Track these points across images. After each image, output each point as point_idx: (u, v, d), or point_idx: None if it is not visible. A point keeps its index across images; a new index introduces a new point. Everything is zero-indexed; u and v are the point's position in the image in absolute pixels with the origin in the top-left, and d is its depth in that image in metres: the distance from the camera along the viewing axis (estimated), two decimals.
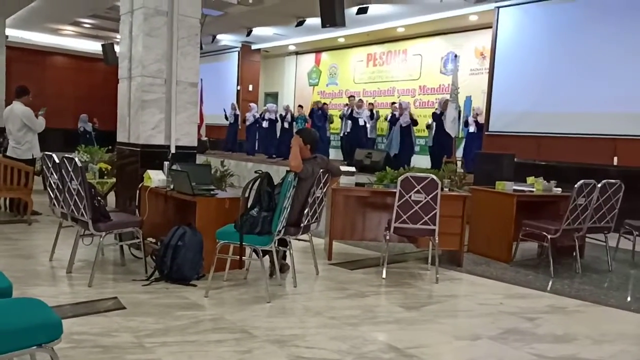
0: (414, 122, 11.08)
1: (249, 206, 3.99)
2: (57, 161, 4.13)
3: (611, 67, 8.50)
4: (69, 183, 4.02)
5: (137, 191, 4.88)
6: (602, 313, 4.01)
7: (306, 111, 13.64)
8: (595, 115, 8.67)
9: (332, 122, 13.02)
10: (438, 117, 10.48)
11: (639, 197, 5.63)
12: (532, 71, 9.52)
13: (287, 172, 4.02)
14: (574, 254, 5.25)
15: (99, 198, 4.17)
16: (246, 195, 4.06)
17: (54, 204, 4.41)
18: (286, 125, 13.24)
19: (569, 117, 9.00)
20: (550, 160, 8.89)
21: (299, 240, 4.67)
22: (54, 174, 4.24)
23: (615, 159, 8.38)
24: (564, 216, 4.90)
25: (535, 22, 9.58)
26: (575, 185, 4.82)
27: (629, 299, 4.47)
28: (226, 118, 15.03)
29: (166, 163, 4.92)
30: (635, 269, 5.53)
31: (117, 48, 14.85)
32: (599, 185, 5.01)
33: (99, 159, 7.54)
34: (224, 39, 16.12)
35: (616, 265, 5.53)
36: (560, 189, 5.67)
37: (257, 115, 14.29)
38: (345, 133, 12.20)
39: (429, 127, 11.34)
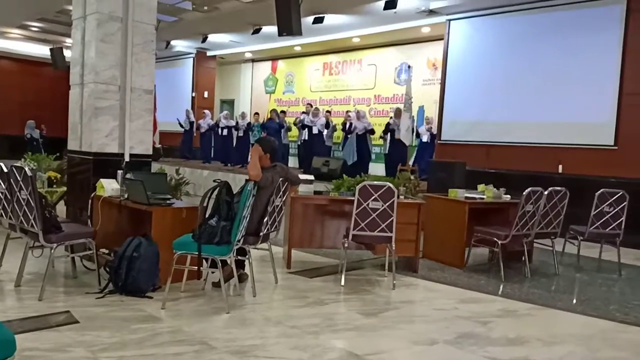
0: (371, 131, 11.22)
1: (207, 216, 3.95)
2: (6, 170, 3.96)
3: (556, 79, 8.90)
4: (18, 193, 3.86)
5: (90, 201, 4.75)
6: (551, 315, 4.19)
7: (263, 118, 13.61)
8: (541, 125, 9.06)
9: (290, 130, 13.04)
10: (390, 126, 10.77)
11: (583, 203, 5.91)
12: (482, 82, 9.85)
13: (247, 181, 4.02)
14: (523, 258, 5.46)
15: (49, 208, 4.04)
16: (204, 204, 4.02)
17: (1, 215, 4.22)
18: (241, 133, 13.19)
19: (517, 126, 9.36)
20: (499, 168, 9.22)
21: (258, 249, 4.66)
22: (2, 183, 4.06)
23: (560, 167, 8.76)
24: (513, 222, 5.09)
25: (485, 34, 9.94)
26: (524, 193, 5.02)
27: (575, 301, 4.68)
28: (181, 126, 14.82)
29: (120, 172, 4.81)
30: (581, 272, 5.80)
31: (66, 52, 14.38)
32: (546, 192, 5.23)
33: (47, 167, 7.28)
34: (179, 44, 15.90)
35: (563, 269, 5.79)
36: (509, 196, 5.88)
37: (212, 123, 14.15)
38: (302, 141, 12.25)
39: (382, 138, 11.61)
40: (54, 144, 13.39)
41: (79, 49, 5.20)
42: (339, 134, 13.10)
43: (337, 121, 12.91)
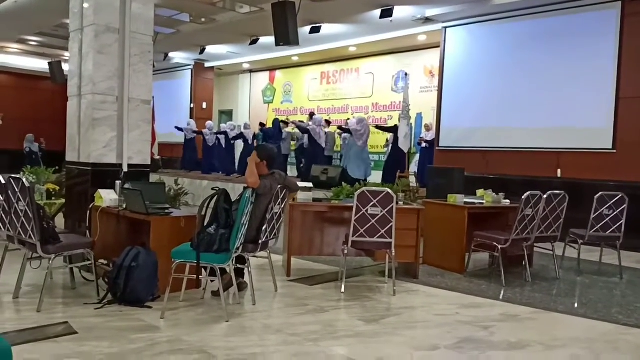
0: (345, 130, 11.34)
1: (205, 224, 3.94)
2: (4, 182, 3.96)
3: (553, 84, 8.92)
4: (15, 204, 3.86)
5: (88, 212, 4.74)
6: (552, 319, 4.17)
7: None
8: (539, 130, 9.06)
9: (293, 140, 13.11)
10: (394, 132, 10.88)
11: (583, 207, 5.89)
12: (479, 88, 9.88)
13: (245, 188, 4.01)
14: (524, 263, 5.44)
15: (47, 219, 4.02)
16: (203, 212, 4.01)
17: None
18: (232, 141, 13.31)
19: (514, 131, 9.36)
20: (497, 174, 9.22)
21: (257, 257, 4.64)
22: (0, 195, 4.06)
23: (559, 171, 8.77)
24: (513, 227, 5.08)
25: (481, 41, 9.98)
26: (523, 197, 5.01)
27: (576, 304, 4.66)
28: (180, 129, 14.90)
29: (118, 182, 4.80)
30: (581, 276, 5.78)
31: (65, 66, 14.43)
32: (545, 196, 5.22)
33: (46, 179, 7.29)
34: (177, 56, 15.97)
35: (563, 273, 5.76)
36: (508, 201, 5.88)
37: (214, 133, 14.18)
38: (297, 147, 12.34)
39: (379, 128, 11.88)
40: (53, 157, 13.38)
41: (76, 60, 5.22)
42: (339, 142, 13.14)
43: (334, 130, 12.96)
